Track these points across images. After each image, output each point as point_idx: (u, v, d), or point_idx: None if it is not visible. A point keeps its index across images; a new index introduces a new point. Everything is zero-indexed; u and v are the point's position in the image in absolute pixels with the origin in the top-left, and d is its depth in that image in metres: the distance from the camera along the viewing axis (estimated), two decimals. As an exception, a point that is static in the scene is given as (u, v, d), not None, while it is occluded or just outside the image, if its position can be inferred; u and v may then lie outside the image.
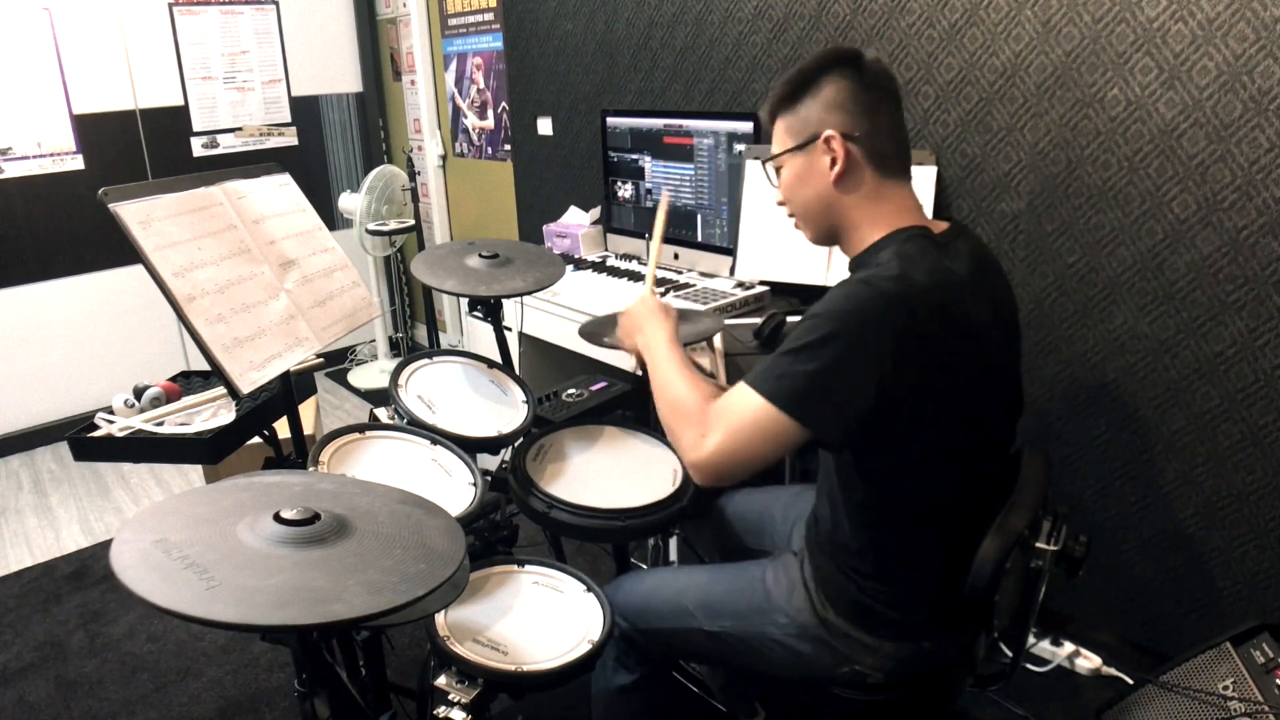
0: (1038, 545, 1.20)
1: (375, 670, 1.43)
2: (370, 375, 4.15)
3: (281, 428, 1.70)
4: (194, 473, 3.20)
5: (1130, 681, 1.86)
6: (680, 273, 2.56)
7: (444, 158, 4.05)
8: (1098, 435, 1.95)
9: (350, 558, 0.92)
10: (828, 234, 1.25)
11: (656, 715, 1.48)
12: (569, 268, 2.66)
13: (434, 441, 1.54)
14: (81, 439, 1.54)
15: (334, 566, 0.90)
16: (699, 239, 2.56)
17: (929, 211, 2.06)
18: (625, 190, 2.76)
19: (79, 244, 3.56)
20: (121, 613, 2.42)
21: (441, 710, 1.17)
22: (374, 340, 4.35)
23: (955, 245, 1.17)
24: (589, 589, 1.38)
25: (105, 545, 2.82)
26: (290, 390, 1.64)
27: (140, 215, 1.37)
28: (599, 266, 2.67)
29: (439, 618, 1.28)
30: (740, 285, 2.33)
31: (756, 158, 2.27)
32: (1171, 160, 1.72)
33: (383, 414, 1.63)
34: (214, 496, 1.03)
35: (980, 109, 1.97)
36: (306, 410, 2.64)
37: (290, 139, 4.08)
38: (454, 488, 1.46)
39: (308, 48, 4.06)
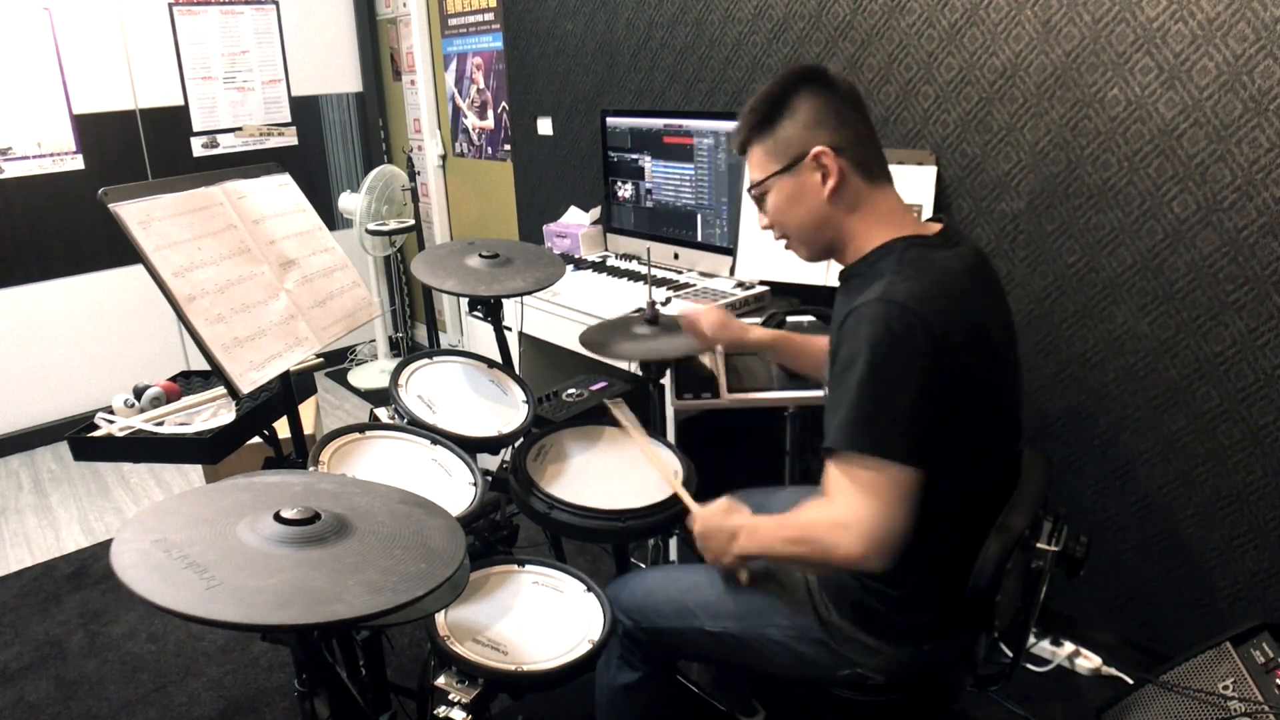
0: (1039, 546, 1.20)
1: (375, 670, 1.43)
2: (370, 375, 4.15)
3: (281, 428, 1.71)
4: (194, 473, 3.20)
5: (1130, 681, 1.86)
6: (680, 273, 2.56)
7: (444, 158, 4.05)
8: (1098, 435, 1.95)
9: (350, 558, 0.92)
10: (824, 250, 1.26)
11: (661, 713, 1.48)
12: (569, 268, 2.66)
13: (434, 441, 1.54)
14: (81, 439, 1.54)
15: (334, 566, 0.90)
16: (699, 239, 2.56)
17: (929, 211, 2.06)
18: (625, 190, 2.76)
19: (79, 244, 3.56)
20: (121, 613, 2.42)
21: (441, 710, 1.17)
22: (374, 340, 4.35)
23: (952, 248, 1.18)
24: (589, 589, 1.38)
25: (105, 545, 2.82)
26: (290, 390, 1.64)
27: (140, 215, 1.37)
28: (599, 266, 2.67)
29: (439, 618, 1.28)
30: (740, 285, 2.33)
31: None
32: (1171, 160, 1.72)
33: (383, 414, 1.63)
34: (214, 496, 1.03)
35: (980, 109, 1.97)
36: (306, 410, 2.64)
37: (290, 139, 4.08)
38: (454, 488, 1.46)
39: (308, 48, 4.06)
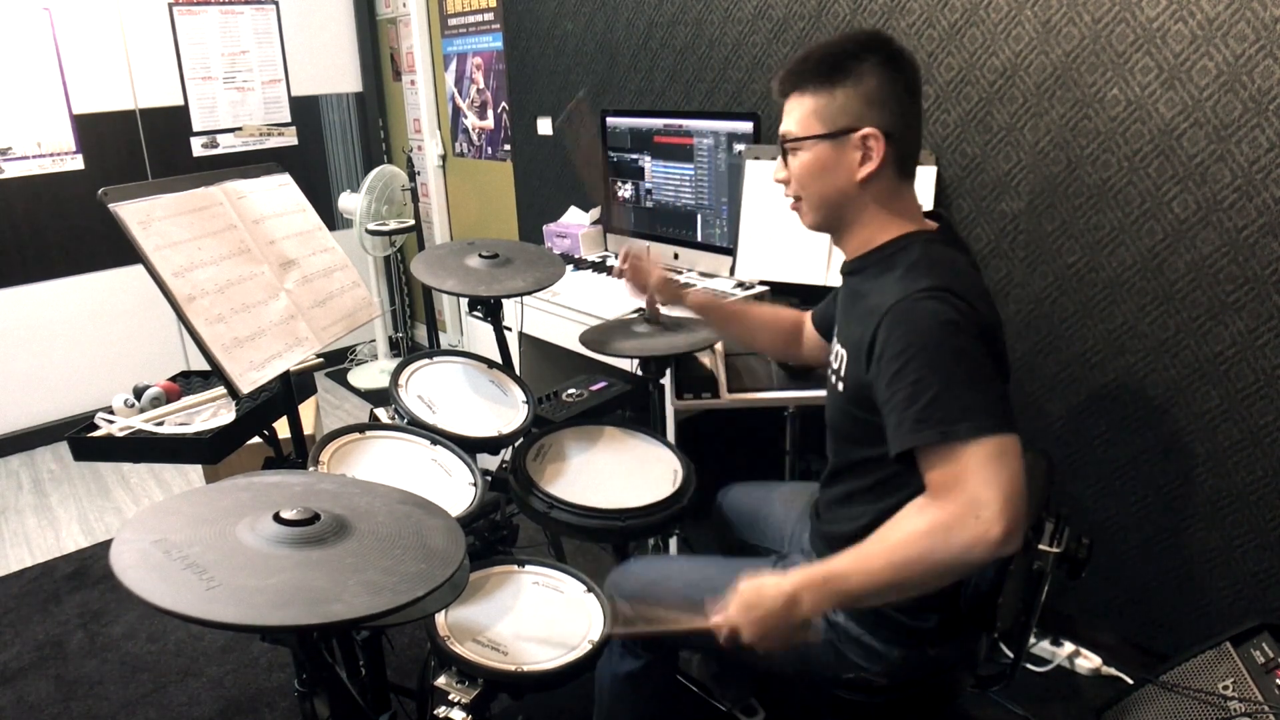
0: (1040, 547, 1.20)
1: (375, 670, 1.43)
2: (370, 375, 4.15)
3: (281, 428, 1.71)
4: (194, 473, 3.20)
5: (1130, 681, 1.85)
6: (680, 273, 2.56)
7: (444, 158, 4.05)
8: (1098, 435, 1.95)
9: (350, 558, 0.92)
10: (830, 225, 1.22)
11: (661, 703, 1.48)
12: (569, 268, 2.66)
13: (434, 441, 1.54)
14: (81, 439, 1.54)
15: (334, 567, 0.90)
16: (699, 239, 2.56)
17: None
18: (625, 190, 2.76)
19: (79, 244, 3.56)
20: (121, 613, 2.42)
21: (441, 710, 1.17)
22: (374, 340, 4.35)
23: (950, 243, 1.19)
24: (589, 589, 1.38)
25: (105, 545, 2.82)
26: (290, 390, 1.64)
27: (140, 215, 1.37)
28: (599, 266, 2.67)
29: (439, 618, 1.28)
30: (740, 285, 2.33)
31: (756, 158, 2.27)
32: (1171, 160, 1.72)
33: (383, 414, 1.63)
34: (214, 496, 1.03)
35: (980, 109, 1.97)
36: (306, 410, 2.64)
37: (290, 139, 4.08)
38: (454, 488, 1.46)
39: (308, 48, 4.06)
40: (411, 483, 1.40)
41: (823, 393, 1.33)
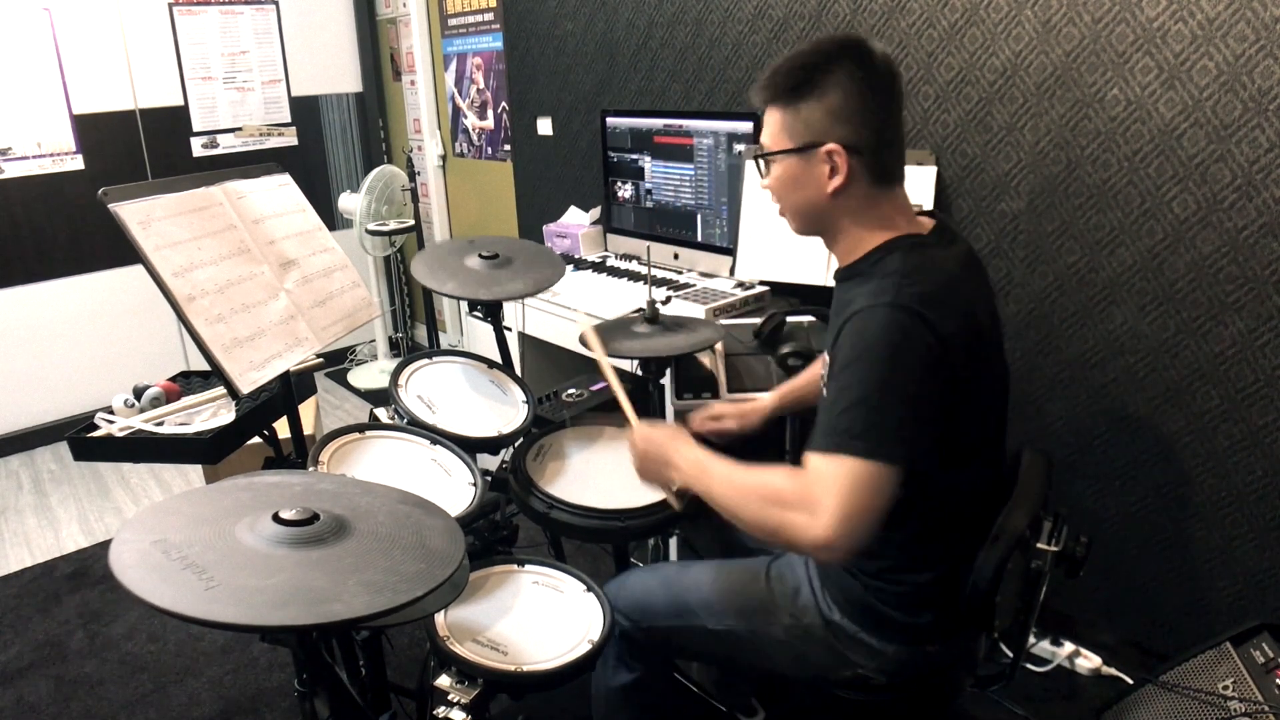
0: (1038, 546, 1.20)
1: (375, 670, 1.43)
2: (370, 375, 4.15)
3: (281, 428, 1.71)
4: (194, 473, 3.20)
5: (1130, 681, 1.85)
6: (680, 273, 2.56)
7: (444, 158, 4.05)
8: (1098, 435, 1.95)
9: (350, 558, 0.92)
10: (814, 232, 1.24)
11: (657, 714, 1.48)
12: (569, 268, 2.66)
13: (434, 441, 1.54)
14: (81, 439, 1.54)
15: (333, 566, 0.90)
16: (699, 239, 2.56)
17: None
18: (625, 190, 2.76)
19: (79, 244, 3.56)
20: (121, 613, 2.42)
21: (441, 710, 1.17)
22: (374, 340, 4.35)
23: (947, 246, 1.18)
24: (589, 589, 1.38)
25: (105, 545, 2.81)
26: (290, 390, 1.64)
27: (140, 215, 1.37)
28: (599, 266, 2.67)
29: (439, 618, 1.28)
30: (740, 285, 2.33)
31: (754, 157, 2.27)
32: (1171, 160, 1.72)
33: (383, 414, 1.63)
34: (214, 496, 1.03)
35: (980, 109, 1.97)
36: (306, 410, 2.64)
37: (290, 139, 4.08)
38: (454, 488, 1.46)
39: (308, 48, 4.06)
40: (411, 483, 1.40)
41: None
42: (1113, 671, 1.97)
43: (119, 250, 3.45)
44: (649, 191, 2.69)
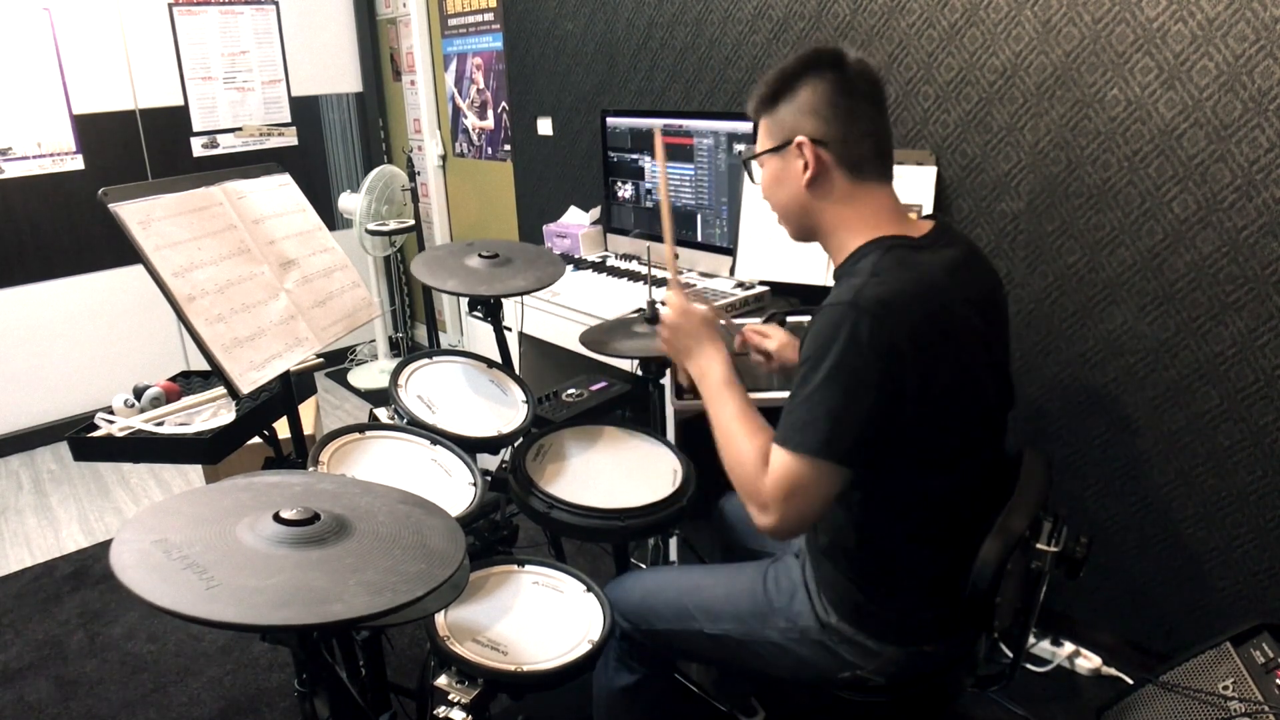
0: (1038, 546, 1.20)
1: (375, 670, 1.43)
2: (370, 375, 4.15)
3: (281, 428, 1.70)
4: (194, 473, 3.20)
5: (1130, 681, 1.85)
6: (680, 273, 2.56)
7: (444, 158, 4.05)
8: (1098, 435, 1.95)
9: (350, 558, 0.92)
10: (805, 233, 1.26)
11: (659, 715, 1.48)
12: (569, 268, 2.66)
13: (434, 441, 1.54)
14: (81, 439, 1.54)
15: (334, 566, 0.90)
16: (699, 239, 2.56)
17: (929, 210, 2.06)
18: (625, 190, 2.76)
19: (79, 244, 3.56)
20: (121, 613, 2.42)
21: (441, 710, 1.17)
22: (374, 340, 4.35)
23: (937, 248, 1.17)
24: (589, 589, 1.38)
25: (105, 545, 2.82)
26: (290, 390, 1.64)
27: (140, 215, 1.37)
28: (599, 266, 2.67)
29: (439, 618, 1.28)
30: (740, 285, 2.33)
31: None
32: (1171, 160, 1.72)
33: (383, 414, 1.63)
34: (214, 496, 1.03)
35: (980, 109, 1.97)
36: (306, 410, 2.64)
37: (290, 139, 4.08)
38: (454, 488, 1.46)
39: (308, 48, 4.06)
40: (411, 483, 1.40)
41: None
42: (1113, 671, 1.97)
43: (119, 250, 3.45)
44: (649, 191, 2.69)
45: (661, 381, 1.85)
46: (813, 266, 2.20)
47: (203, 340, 1.35)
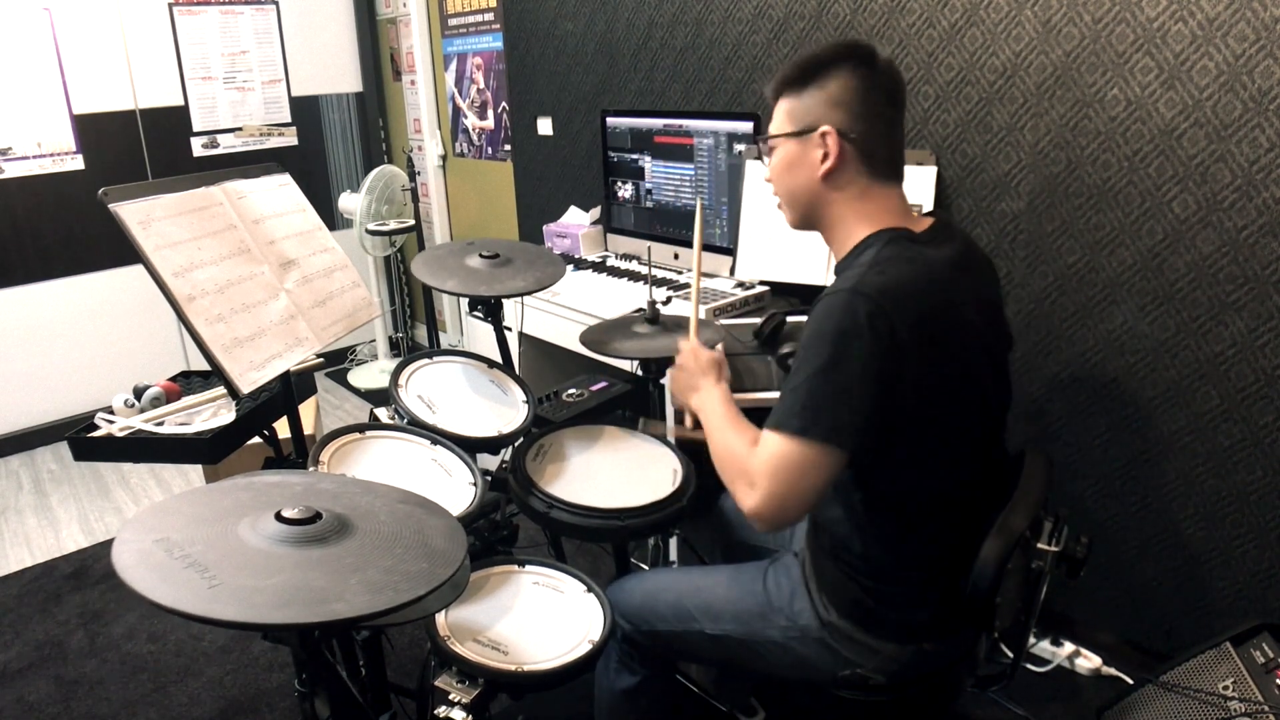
0: (1039, 546, 1.20)
1: (375, 670, 1.43)
2: (370, 375, 4.15)
3: (281, 428, 1.71)
4: (194, 473, 3.20)
5: (1130, 681, 1.85)
6: (680, 273, 2.56)
7: (444, 158, 4.05)
8: (1098, 435, 1.95)
9: (351, 557, 0.92)
10: (807, 222, 1.26)
11: (660, 715, 1.48)
12: (569, 268, 2.66)
13: (434, 441, 1.54)
14: (81, 439, 1.54)
15: (335, 566, 0.90)
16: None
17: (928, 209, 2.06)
18: (625, 190, 2.76)
19: (79, 244, 3.56)
20: (121, 613, 2.42)
21: (441, 710, 1.17)
22: (374, 340, 4.35)
23: (937, 243, 1.17)
24: (589, 589, 1.38)
25: (105, 545, 2.82)
26: (290, 390, 1.64)
27: (140, 215, 1.37)
28: (599, 266, 2.67)
29: (439, 618, 1.28)
30: (740, 285, 2.33)
31: (756, 158, 2.27)
32: (1171, 160, 1.72)
33: (383, 414, 1.63)
34: (215, 496, 1.03)
35: (980, 109, 1.97)
36: (306, 410, 2.64)
37: (290, 139, 4.08)
38: (454, 488, 1.46)
39: (308, 48, 4.06)
40: (411, 482, 1.40)
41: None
42: (1113, 671, 1.97)
43: (119, 250, 3.45)
44: (649, 191, 2.69)
45: (661, 381, 1.85)
46: (813, 266, 2.20)
47: (203, 340, 1.35)
